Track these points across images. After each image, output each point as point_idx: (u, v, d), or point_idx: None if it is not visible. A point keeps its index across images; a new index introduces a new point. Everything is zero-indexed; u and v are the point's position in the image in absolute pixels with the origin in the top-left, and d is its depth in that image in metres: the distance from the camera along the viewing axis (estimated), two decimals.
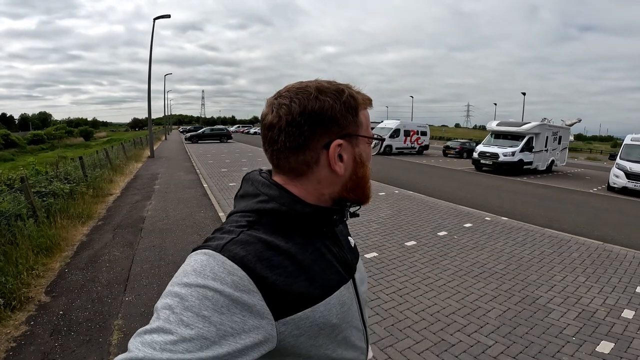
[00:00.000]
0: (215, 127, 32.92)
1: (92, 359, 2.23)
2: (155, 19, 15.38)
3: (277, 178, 0.59)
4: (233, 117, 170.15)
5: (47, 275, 3.45)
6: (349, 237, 0.71)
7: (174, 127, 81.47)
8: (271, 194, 0.56)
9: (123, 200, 7.14)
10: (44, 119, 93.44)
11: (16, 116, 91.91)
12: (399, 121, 22.86)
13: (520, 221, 5.95)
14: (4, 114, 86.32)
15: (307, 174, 0.56)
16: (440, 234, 4.95)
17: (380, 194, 7.83)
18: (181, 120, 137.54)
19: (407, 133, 21.96)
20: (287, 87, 0.58)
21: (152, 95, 16.15)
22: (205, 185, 8.52)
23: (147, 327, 0.43)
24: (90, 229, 5.10)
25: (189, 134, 29.68)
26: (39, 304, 2.89)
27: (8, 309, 2.72)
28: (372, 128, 0.63)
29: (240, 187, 0.62)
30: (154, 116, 19.74)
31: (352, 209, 0.64)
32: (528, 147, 14.17)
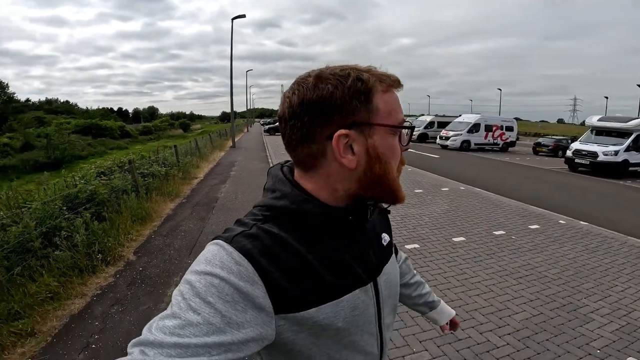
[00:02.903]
0: None
1: (149, 305, 2.83)
2: (233, 19, 16.88)
3: (296, 172, 0.58)
4: None
5: (138, 240, 4.33)
6: (384, 234, 0.66)
7: (256, 120, 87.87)
8: (284, 191, 0.55)
9: (204, 183, 8.24)
10: (152, 112, 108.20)
11: (130, 110, 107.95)
12: (479, 115, 21.14)
13: (602, 227, 5.24)
14: (120, 108, 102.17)
15: (316, 167, 0.54)
16: (497, 232, 4.69)
17: (443, 189, 7.57)
18: (263, 113, 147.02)
19: (488, 128, 20.18)
20: (297, 78, 0.55)
21: (237, 90, 17.81)
22: None
23: (163, 313, 0.44)
24: (176, 205, 6.10)
25: (267, 127, 31.85)
26: (126, 262, 3.68)
27: (104, 263, 3.51)
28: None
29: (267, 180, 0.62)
30: (238, 110, 21.62)
31: (384, 205, 0.62)
32: (636, 146, 11.94)
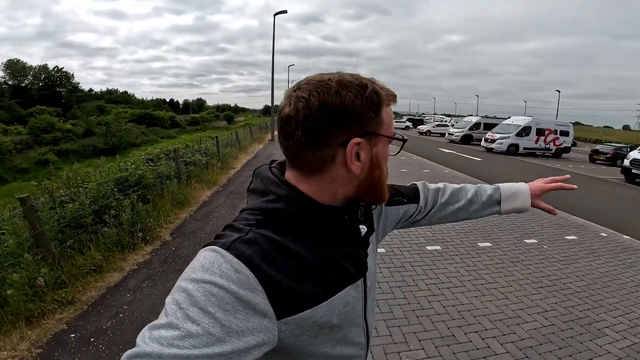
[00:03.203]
0: None
1: (174, 282, 3.13)
2: (275, 15, 17.32)
3: (289, 174, 0.58)
4: None
5: (175, 222, 4.73)
6: (361, 225, 0.66)
7: None
8: (280, 193, 0.54)
9: (240, 173, 8.68)
10: (200, 104, 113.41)
11: (180, 101, 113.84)
12: (530, 118, 19.85)
13: None
14: (171, 100, 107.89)
15: (322, 171, 0.54)
16: (528, 241, 4.51)
17: None
18: None
19: (540, 132, 18.88)
20: (307, 78, 0.55)
21: (279, 84, 18.29)
22: None
23: (156, 322, 0.43)
24: (212, 193, 6.52)
25: None
26: (162, 242, 4.06)
27: (143, 242, 3.91)
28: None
29: (252, 180, 0.62)
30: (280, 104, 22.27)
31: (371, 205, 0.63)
32: None
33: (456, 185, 0.90)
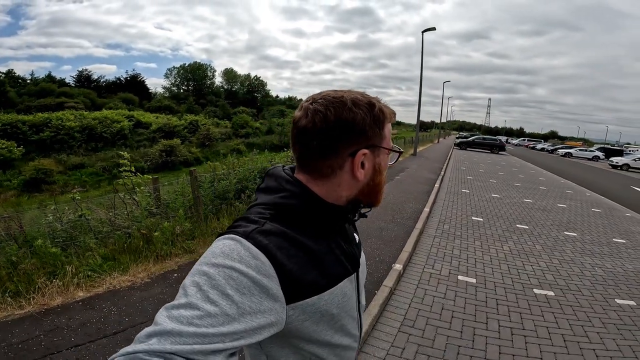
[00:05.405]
0: (487, 136, 31.43)
1: None
2: (423, 32, 17.03)
3: (299, 176, 0.63)
4: (521, 128, 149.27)
5: None
6: (355, 234, 0.76)
7: (453, 132, 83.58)
8: (293, 191, 0.60)
9: None
10: None
11: None
12: None
13: None
14: None
15: (331, 177, 0.61)
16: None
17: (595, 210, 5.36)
18: (462, 126, 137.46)
19: None
20: (322, 94, 0.61)
21: (438, 100, 17.87)
22: (436, 186, 9.05)
23: (175, 302, 0.46)
24: None
25: (458, 140, 30.06)
26: None
27: None
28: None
29: (263, 180, 0.67)
30: (438, 120, 21.61)
31: (362, 210, 0.69)
32: None
33: None
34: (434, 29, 17.02)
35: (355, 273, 0.70)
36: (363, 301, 0.77)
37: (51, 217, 3.61)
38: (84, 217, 3.70)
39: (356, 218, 0.69)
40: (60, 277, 2.93)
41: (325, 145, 0.59)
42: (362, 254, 0.77)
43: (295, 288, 0.54)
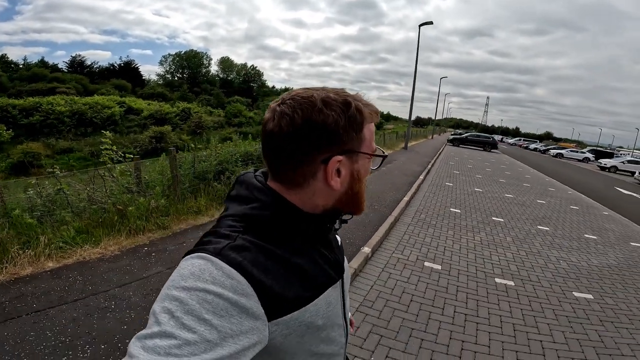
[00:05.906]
0: (481, 134, 31.66)
1: None
2: (420, 26, 17.11)
3: (272, 183, 0.58)
4: (517, 128, 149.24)
5: None
6: (337, 236, 0.73)
7: (449, 129, 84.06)
8: (265, 201, 0.56)
9: None
10: None
11: None
12: None
13: None
14: None
15: (304, 185, 0.56)
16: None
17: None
18: (459, 124, 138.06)
19: None
20: (292, 93, 0.56)
21: (437, 97, 17.97)
22: (421, 177, 9.14)
23: (147, 331, 0.42)
24: None
25: (451, 137, 30.28)
26: None
27: None
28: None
29: (233, 187, 0.62)
30: (433, 117, 21.80)
31: (343, 217, 0.64)
32: None
33: None
34: (431, 23, 17.02)
35: (340, 279, 0.66)
36: (348, 305, 0.73)
37: (32, 192, 3.65)
38: (63, 191, 3.74)
39: (337, 227, 0.65)
40: (33, 247, 2.98)
41: (294, 151, 0.53)
42: (345, 258, 0.73)
43: (277, 304, 0.50)
